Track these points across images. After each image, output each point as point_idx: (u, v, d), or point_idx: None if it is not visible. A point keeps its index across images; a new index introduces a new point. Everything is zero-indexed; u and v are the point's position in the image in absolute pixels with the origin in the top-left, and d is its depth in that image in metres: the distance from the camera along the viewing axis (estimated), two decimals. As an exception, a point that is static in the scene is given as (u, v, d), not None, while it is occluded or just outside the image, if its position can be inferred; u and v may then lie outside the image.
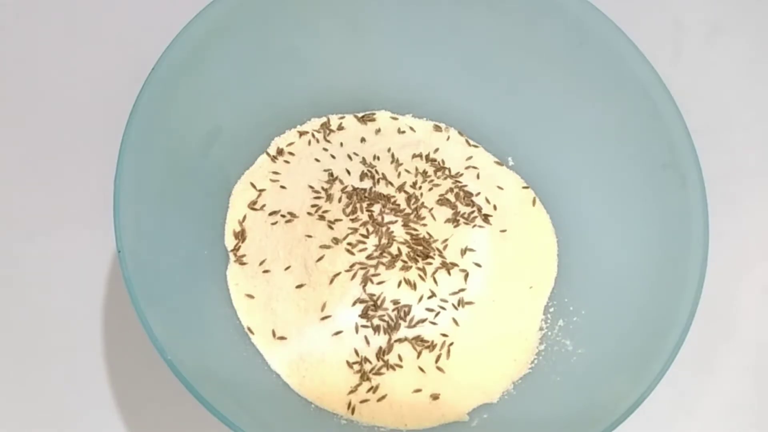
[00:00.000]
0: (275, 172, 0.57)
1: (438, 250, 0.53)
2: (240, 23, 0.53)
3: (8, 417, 0.54)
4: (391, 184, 0.56)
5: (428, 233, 0.54)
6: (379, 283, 0.51)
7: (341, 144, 0.58)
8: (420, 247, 0.53)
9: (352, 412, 0.50)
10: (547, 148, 0.58)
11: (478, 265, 0.54)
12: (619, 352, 0.50)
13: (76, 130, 0.62)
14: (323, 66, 0.58)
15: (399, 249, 0.53)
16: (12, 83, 0.64)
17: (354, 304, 0.51)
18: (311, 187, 0.55)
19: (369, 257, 0.52)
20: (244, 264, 0.53)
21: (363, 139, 0.59)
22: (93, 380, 0.54)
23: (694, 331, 0.48)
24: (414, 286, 0.52)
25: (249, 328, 0.52)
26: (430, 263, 0.53)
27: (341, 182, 0.55)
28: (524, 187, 0.59)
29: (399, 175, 0.57)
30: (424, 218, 0.55)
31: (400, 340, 0.51)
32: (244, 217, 0.55)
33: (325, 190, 0.55)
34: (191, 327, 0.48)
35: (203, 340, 0.49)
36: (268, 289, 0.52)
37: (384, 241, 0.53)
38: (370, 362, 0.51)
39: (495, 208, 0.57)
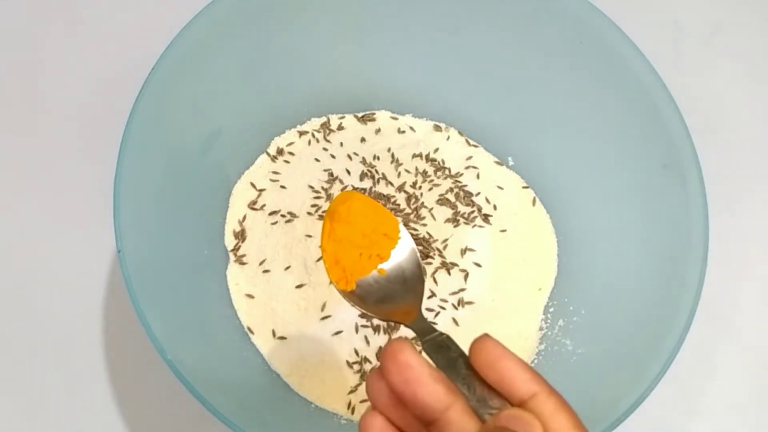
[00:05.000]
0: (275, 172, 0.57)
1: (438, 250, 0.53)
2: (240, 23, 0.53)
3: (8, 417, 0.54)
4: (391, 184, 0.56)
5: (428, 233, 0.54)
6: (379, 283, 0.51)
7: (341, 144, 0.58)
8: (420, 247, 0.53)
9: (352, 412, 0.50)
10: (547, 148, 0.58)
11: (478, 265, 0.54)
12: (619, 352, 0.50)
13: (76, 130, 0.62)
14: (323, 66, 0.58)
15: (399, 249, 0.53)
16: (12, 83, 0.64)
17: (354, 304, 0.51)
18: (311, 187, 0.55)
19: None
20: (244, 264, 0.53)
21: (363, 139, 0.59)
22: (93, 380, 0.55)
23: (694, 331, 0.47)
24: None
25: (249, 328, 0.52)
26: (430, 263, 0.53)
27: (341, 182, 0.55)
28: (524, 187, 0.59)
29: (399, 175, 0.57)
30: (424, 218, 0.55)
31: (400, 340, 0.51)
32: (244, 217, 0.55)
33: (325, 190, 0.55)
34: (191, 327, 0.48)
35: (203, 340, 0.49)
36: (268, 289, 0.52)
37: (384, 241, 0.53)
38: (370, 362, 0.51)
39: (495, 208, 0.57)
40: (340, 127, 0.59)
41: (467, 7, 0.57)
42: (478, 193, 0.57)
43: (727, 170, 0.63)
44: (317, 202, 0.54)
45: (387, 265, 0.44)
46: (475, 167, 0.59)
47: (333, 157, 0.57)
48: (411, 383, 0.30)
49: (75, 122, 0.62)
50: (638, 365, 0.48)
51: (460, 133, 0.61)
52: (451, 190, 0.57)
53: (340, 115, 0.60)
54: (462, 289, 0.53)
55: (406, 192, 0.56)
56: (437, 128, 0.61)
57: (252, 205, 0.55)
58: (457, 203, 0.56)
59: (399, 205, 0.55)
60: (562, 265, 0.57)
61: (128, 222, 0.45)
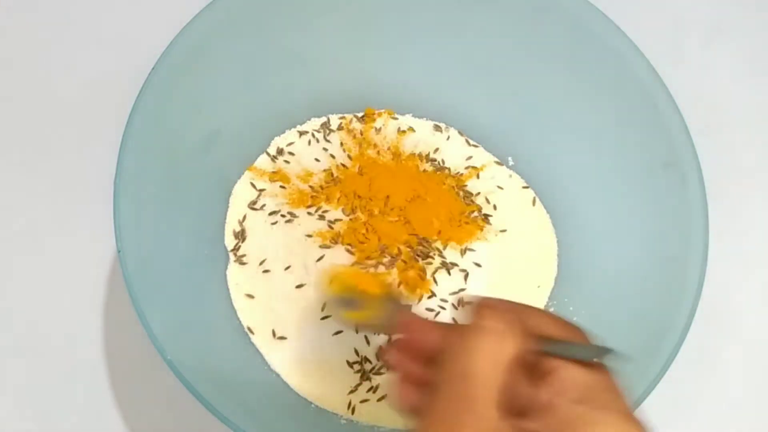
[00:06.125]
0: (275, 172, 0.57)
1: (438, 249, 0.53)
2: (240, 23, 0.53)
3: (8, 417, 0.54)
4: (391, 184, 0.56)
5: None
6: (379, 283, 0.51)
7: (341, 144, 0.58)
8: (420, 247, 0.53)
9: (352, 412, 0.50)
10: (547, 148, 0.58)
11: (478, 265, 0.54)
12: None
13: (76, 129, 0.62)
14: (323, 66, 0.58)
15: (399, 249, 0.53)
16: (12, 83, 0.64)
17: (354, 304, 0.51)
18: (311, 187, 0.55)
19: (369, 257, 0.52)
20: (244, 264, 0.53)
21: (363, 139, 0.59)
22: (93, 380, 0.54)
23: (694, 331, 0.47)
24: (414, 286, 0.52)
25: (249, 328, 0.52)
26: (430, 263, 0.53)
27: (341, 182, 0.56)
28: (524, 187, 0.59)
29: (399, 175, 0.57)
30: (424, 218, 0.55)
31: (400, 340, 0.51)
32: (244, 217, 0.55)
33: (325, 190, 0.55)
34: (191, 327, 0.48)
35: (203, 340, 0.49)
36: (268, 289, 0.52)
37: (384, 240, 0.53)
38: (370, 362, 0.51)
39: (495, 208, 0.57)
40: (340, 127, 0.59)
41: (467, 7, 0.57)
42: (478, 193, 0.57)
43: (727, 170, 0.63)
44: (317, 202, 0.54)
45: None
46: (475, 167, 0.59)
47: (333, 157, 0.57)
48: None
49: (75, 122, 0.62)
50: (638, 365, 0.48)
51: (460, 133, 0.61)
52: (452, 189, 0.57)
53: (340, 115, 0.60)
54: (462, 289, 0.53)
55: (406, 192, 0.56)
56: (437, 128, 0.61)
57: (252, 205, 0.55)
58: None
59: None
60: (562, 265, 0.57)
61: (128, 222, 0.45)
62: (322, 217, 0.54)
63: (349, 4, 0.57)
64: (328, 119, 0.60)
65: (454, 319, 0.52)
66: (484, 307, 0.35)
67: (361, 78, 0.59)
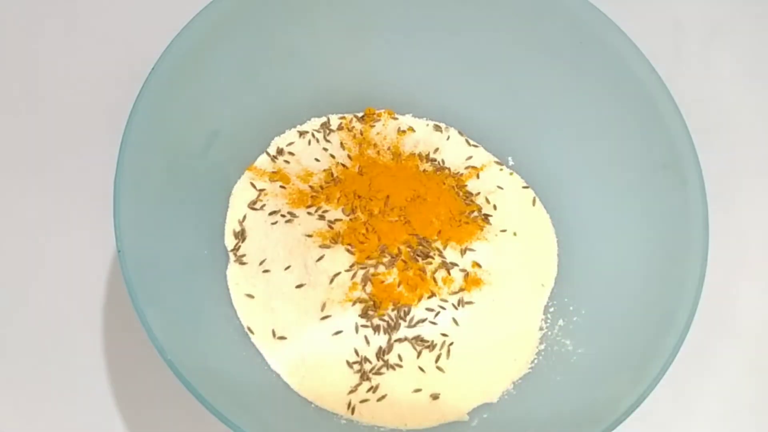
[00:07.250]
0: (275, 172, 0.57)
1: (438, 249, 0.53)
2: (240, 23, 0.53)
3: (8, 417, 0.54)
4: (391, 184, 0.56)
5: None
6: (380, 283, 0.51)
7: (341, 144, 0.59)
8: (420, 247, 0.53)
9: (352, 412, 0.50)
10: (547, 148, 0.58)
11: (478, 265, 0.54)
12: (619, 352, 0.50)
13: (76, 130, 0.62)
14: (323, 66, 0.58)
15: (399, 249, 0.53)
16: (12, 83, 0.64)
17: (354, 303, 0.51)
18: (311, 187, 0.55)
19: (369, 257, 0.52)
20: (244, 264, 0.53)
21: (363, 139, 0.59)
22: (93, 380, 0.55)
23: (694, 331, 0.47)
24: (414, 286, 0.52)
25: (249, 328, 0.52)
26: (430, 263, 0.53)
27: (341, 182, 0.56)
28: (524, 187, 0.59)
29: (399, 175, 0.57)
30: (424, 218, 0.55)
31: (400, 340, 0.51)
32: (244, 217, 0.55)
33: (325, 189, 0.55)
34: (191, 327, 0.48)
35: (203, 340, 0.49)
36: (268, 289, 0.52)
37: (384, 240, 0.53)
38: (370, 362, 0.51)
39: (495, 208, 0.57)
40: (340, 127, 0.60)
41: (467, 7, 0.57)
42: (478, 193, 0.58)
43: (727, 170, 0.63)
44: (317, 202, 0.54)
45: None
46: (475, 167, 0.59)
47: (333, 157, 0.58)
48: None
49: (75, 122, 0.62)
50: (638, 365, 0.48)
51: (460, 133, 0.61)
52: (451, 189, 0.57)
53: (340, 115, 0.60)
54: (462, 289, 0.53)
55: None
56: (437, 128, 0.61)
57: (252, 205, 0.55)
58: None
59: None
60: (562, 265, 0.57)
61: (128, 222, 0.45)
62: (322, 217, 0.54)
63: (349, 4, 0.57)
64: (328, 119, 0.60)
65: (453, 319, 0.52)
66: None
67: (361, 78, 0.59)
